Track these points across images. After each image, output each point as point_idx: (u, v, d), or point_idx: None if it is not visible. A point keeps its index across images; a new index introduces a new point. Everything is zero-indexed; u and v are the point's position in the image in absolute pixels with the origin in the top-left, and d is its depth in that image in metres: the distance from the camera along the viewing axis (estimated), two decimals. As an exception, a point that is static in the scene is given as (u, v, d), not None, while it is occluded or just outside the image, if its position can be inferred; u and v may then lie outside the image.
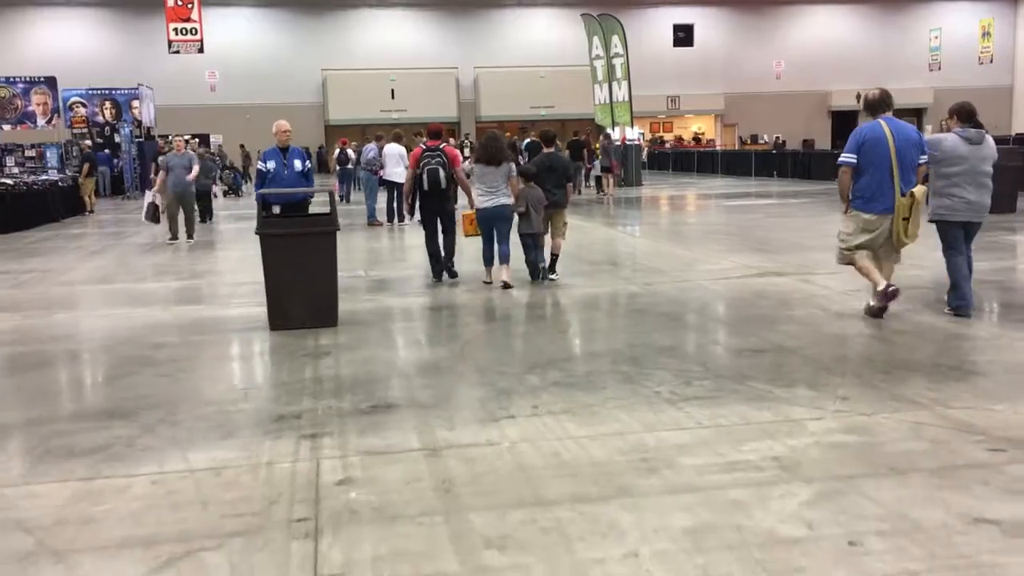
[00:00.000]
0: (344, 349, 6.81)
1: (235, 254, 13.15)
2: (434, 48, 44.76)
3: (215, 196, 22.48)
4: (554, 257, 9.93)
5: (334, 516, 3.72)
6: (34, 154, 29.18)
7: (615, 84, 29.05)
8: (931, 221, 7.44)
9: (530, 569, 3.23)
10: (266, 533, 3.58)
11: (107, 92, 33.34)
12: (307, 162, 10.08)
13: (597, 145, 27.13)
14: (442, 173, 9.54)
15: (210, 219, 19.09)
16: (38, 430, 5.02)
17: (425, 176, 9.54)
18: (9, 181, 19.49)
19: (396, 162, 16.59)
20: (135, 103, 32.62)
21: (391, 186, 17.00)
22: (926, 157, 7.17)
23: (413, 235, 14.30)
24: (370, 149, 18.10)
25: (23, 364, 6.66)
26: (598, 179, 26.64)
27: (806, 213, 17.43)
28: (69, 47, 40.13)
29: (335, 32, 44.14)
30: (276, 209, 9.55)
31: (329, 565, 3.30)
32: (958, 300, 7.33)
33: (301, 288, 7.53)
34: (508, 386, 5.66)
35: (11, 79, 29.99)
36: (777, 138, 42.41)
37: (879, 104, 7.17)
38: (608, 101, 29.46)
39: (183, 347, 7.07)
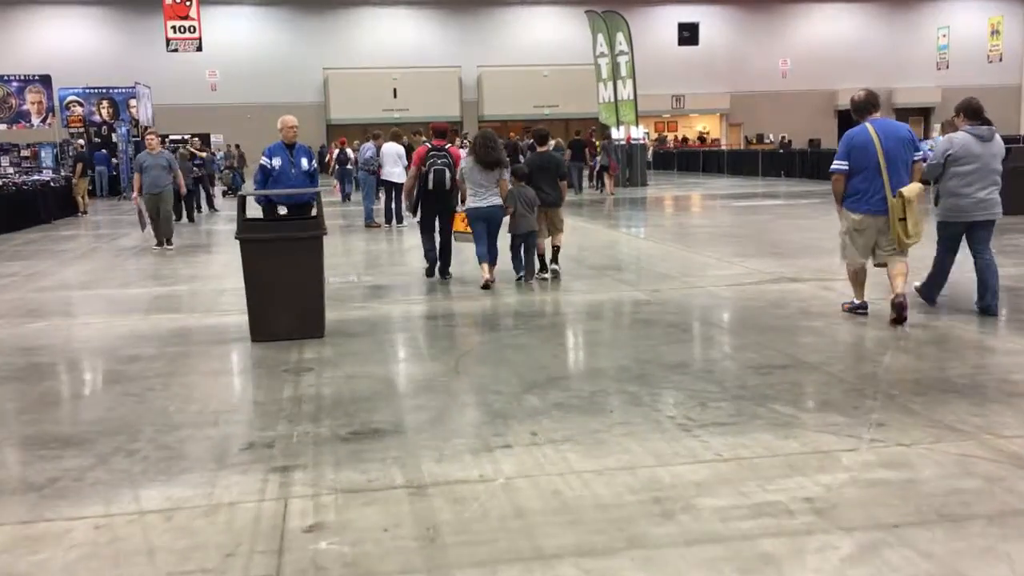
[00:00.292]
0: (328, 364, 6.29)
1: (224, 258, 12.62)
2: (437, 47, 44.28)
3: (211, 196, 22.06)
4: (555, 248, 9.85)
5: (299, 574, 3.20)
6: (29, 154, 28.75)
7: (620, 82, 28.49)
8: (940, 221, 7.34)
9: (525, 647, 2.71)
10: (217, 595, 3.06)
11: (104, 91, 32.86)
12: (313, 161, 9.62)
13: (598, 144, 26.67)
14: (448, 174, 9.44)
15: (196, 215, 19.25)
16: (-19, 460, 4.51)
17: (431, 176, 9.44)
18: (-2, 181, 19.05)
19: (394, 162, 16.08)
20: (132, 102, 32.13)
21: (389, 186, 16.47)
22: (920, 154, 7.07)
23: (411, 237, 13.79)
24: (367, 148, 17.56)
25: (-19, 380, 6.16)
26: (599, 177, 26.25)
27: (819, 214, 16.87)
28: (67, 45, 39.69)
29: (337, 31, 43.68)
30: (282, 210, 9.00)
31: (286, 639, 2.78)
32: (929, 295, 7.56)
33: (285, 297, 7.01)
34: (505, 408, 5.13)
35: (5, 77, 29.51)
36: (783, 138, 41.80)
37: (865, 106, 7.12)
38: (613, 100, 28.91)
39: (157, 361, 6.56)
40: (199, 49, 33.74)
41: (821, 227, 14.57)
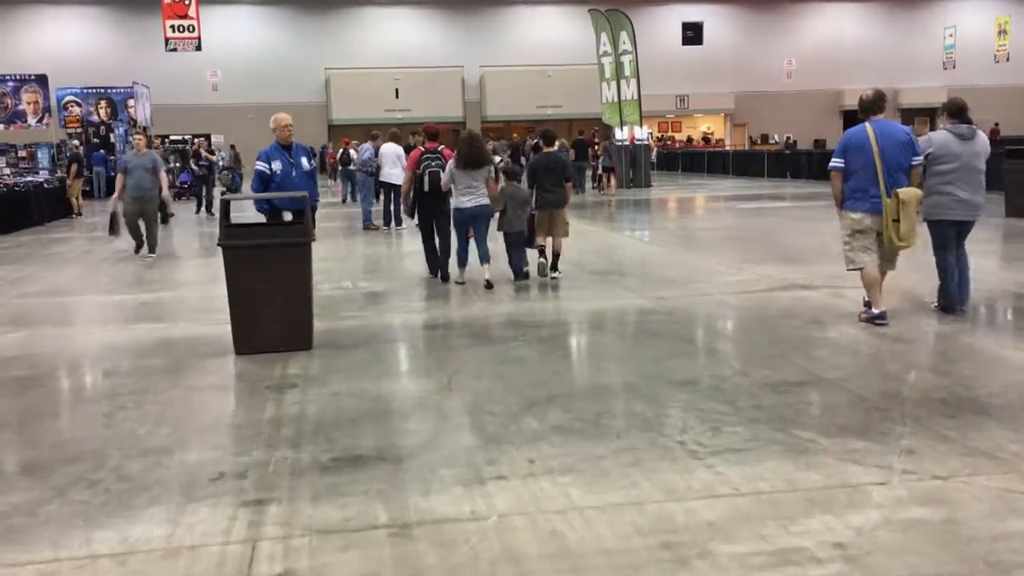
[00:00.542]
0: (314, 380, 5.90)
1: (218, 261, 12.19)
2: (439, 47, 43.92)
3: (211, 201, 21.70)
4: (556, 255, 9.77)
5: (260, 636, 2.82)
6: (26, 154, 28.39)
7: (623, 82, 28.07)
8: (924, 220, 7.25)
9: None
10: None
11: (102, 91, 32.49)
12: (313, 160, 8.89)
13: (598, 146, 26.31)
14: (443, 176, 9.46)
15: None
16: (-73, 491, 4.13)
17: (427, 178, 9.53)
18: (-10, 183, 18.68)
19: (393, 163, 15.66)
20: (130, 102, 31.77)
21: (388, 188, 16.05)
22: (919, 159, 7.05)
23: (410, 240, 13.43)
24: (366, 149, 17.16)
25: (-56, 397, 5.78)
26: (599, 178, 25.93)
27: (828, 217, 16.37)
28: (66, 45, 39.38)
29: (338, 31, 43.33)
30: (287, 216, 8.21)
31: None
32: (944, 300, 7.39)
33: (270, 307, 6.62)
34: (500, 431, 4.74)
35: (1, 77, 29.14)
36: (788, 138, 41.39)
37: (871, 105, 7.08)
38: (616, 100, 28.48)
39: (132, 376, 6.18)
40: (198, 48, 33.39)
41: (831, 231, 14.09)
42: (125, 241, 13.14)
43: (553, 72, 43.24)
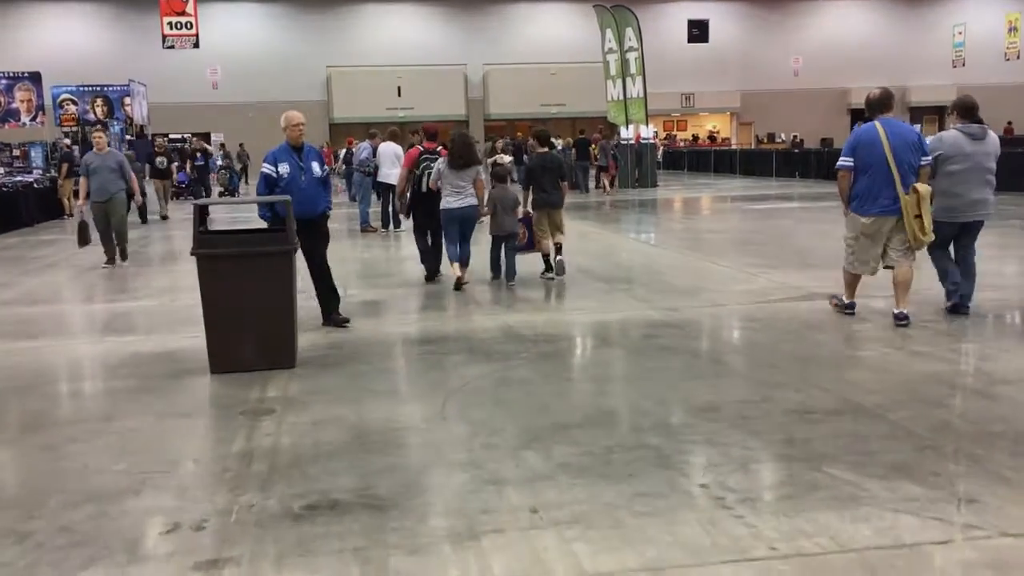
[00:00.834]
0: (293, 405, 5.33)
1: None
2: (442, 45, 43.40)
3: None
4: (558, 246, 9.78)
5: None
6: (19, 154, 27.83)
7: (629, 80, 27.49)
8: (935, 221, 6.99)
9: None
10: None
11: (99, 89, 31.97)
12: (325, 165, 7.75)
13: (595, 145, 25.79)
14: (431, 174, 9.40)
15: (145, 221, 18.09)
16: None
17: (425, 179, 9.55)
18: (-24, 183, 18.14)
19: (392, 163, 15.05)
20: (127, 100, 31.24)
21: (386, 189, 15.46)
22: (928, 159, 6.95)
23: (409, 243, 12.81)
24: (363, 148, 16.59)
25: None
26: (598, 177, 25.49)
27: (841, 219, 15.83)
28: (62, 43, 38.94)
29: (340, 28, 42.83)
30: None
31: None
32: (958, 299, 7.25)
33: (249, 322, 6.06)
34: (499, 469, 4.18)
35: (-6, 75, 28.65)
36: (795, 137, 40.79)
37: (878, 104, 7.01)
38: (622, 98, 27.89)
39: (94, 399, 5.63)
40: (196, 46, 32.90)
41: (847, 233, 13.58)
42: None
43: (557, 70, 42.70)
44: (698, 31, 46.39)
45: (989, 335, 6.76)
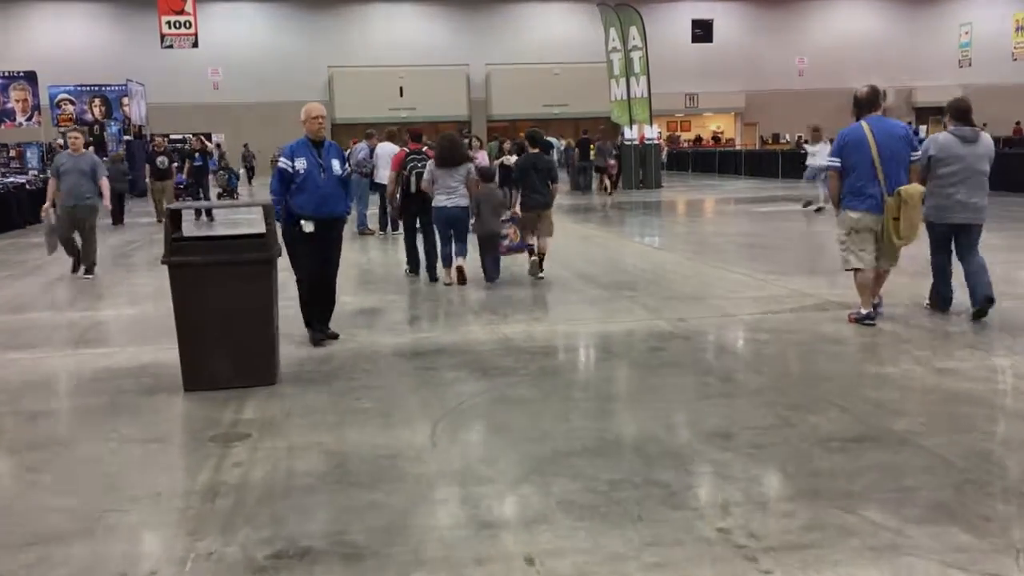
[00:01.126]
0: (270, 428, 4.89)
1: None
2: (444, 45, 42.97)
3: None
4: (540, 255, 9.77)
5: None
6: (15, 154, 27.47)
7: (633, 79, 27.03)
8: (925, 221, 7.13)
9: None
10: None
11: (97, 89, 31.61)
12: (347, 164, 7.21)
13: (593, 146, 25.40)
14: (424, 176, 9.49)
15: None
16: None
17: (414, 179, 9.67)
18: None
19: (389, 164, 14.64)
20: (125, 100, 30.85)
21: (384, 190, 15.01)
22: (918, 154, 6.99)
23: (404, 248, 12.41)
24: (360, 149, 16.14)
25: None
26: (602, 178, 25.09)
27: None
28: (60, 42, 38.52)
29: (342, 28, 42.43)
30: (309, 227, 6.68)
31: None
32: (940, 301, 7.35)
33: (226, 336, 5.63)
34: (492, 507, 3.75)
35: (-11, 74, 28.29)
36: (800, 137, 40.29)
37: (866, 102, 7.08)
38: (625, 97, 27.43)
39: (55, 421, 5.20)
40: (195, 45, 32.49)
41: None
42: (107, 244, 11.98)
43: (560, 70, 42.26)
44: (702, 31, 45.98)
45: (1021, 349, 6.31)
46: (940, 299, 7.39)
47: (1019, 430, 4.63)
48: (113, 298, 9.51)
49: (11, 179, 20.36)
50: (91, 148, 12.23)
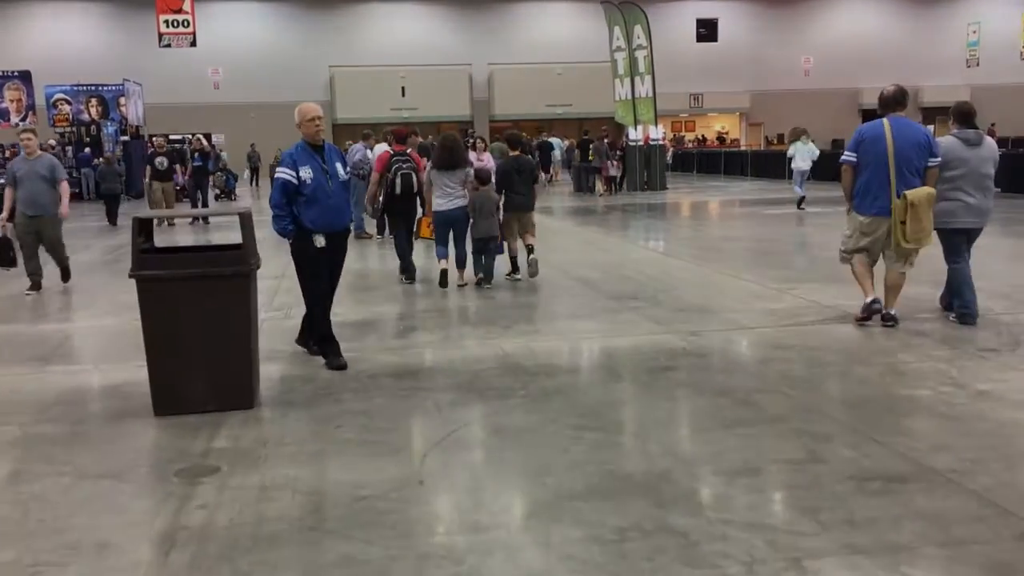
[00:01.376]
0: (242, 461, 4.43)
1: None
2: (446, 44, 42.55)
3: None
4: (529, 247, 9.79)
5: None
6: (10, 155, 27.04)
7: (638, 79, 26.55)
8: (937, 229, 6.99)
9: None
10: None
11: (93, 88, 31.17)
12: (348, 167, 6.61)
13: (591, 147, 24.95)
14: (415, 178, 9.64)
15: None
16: None
17: (399, 180, 9.62)
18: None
19: (388, 165, 14.22)
20: (122, 100, 30.42)
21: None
22: (937, 160, 6.84)
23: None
24: (357, 150, 15.67)
25: None
26: (607, 179, 24.62)
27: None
28: (56, 41, 38.16)
29: (343, 28, 42.02)
30: (321, 241, 6.04)
31: None
32: (963, 308, 7.05)
33: (199, 356, 5.17)
34: (482, 565, 3.28)
35: (-17, 73, 27.87)
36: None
37: (891, 101, 6.99)
38: (630, 97, 26.95)
39: (10, 452, 4.73)
40: (193, 44, 32.03)
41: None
42: (99, 248, 11.50)
43: (563, 70, 41.84)
44: (706, 30, 45.60)
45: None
46: (966, 311, 7.04)
47: (1074, 467, 4.15)
48: (92, 307, 9.05)
49: (1, 181, 19.89)
50: (62, 149, 11.64)
